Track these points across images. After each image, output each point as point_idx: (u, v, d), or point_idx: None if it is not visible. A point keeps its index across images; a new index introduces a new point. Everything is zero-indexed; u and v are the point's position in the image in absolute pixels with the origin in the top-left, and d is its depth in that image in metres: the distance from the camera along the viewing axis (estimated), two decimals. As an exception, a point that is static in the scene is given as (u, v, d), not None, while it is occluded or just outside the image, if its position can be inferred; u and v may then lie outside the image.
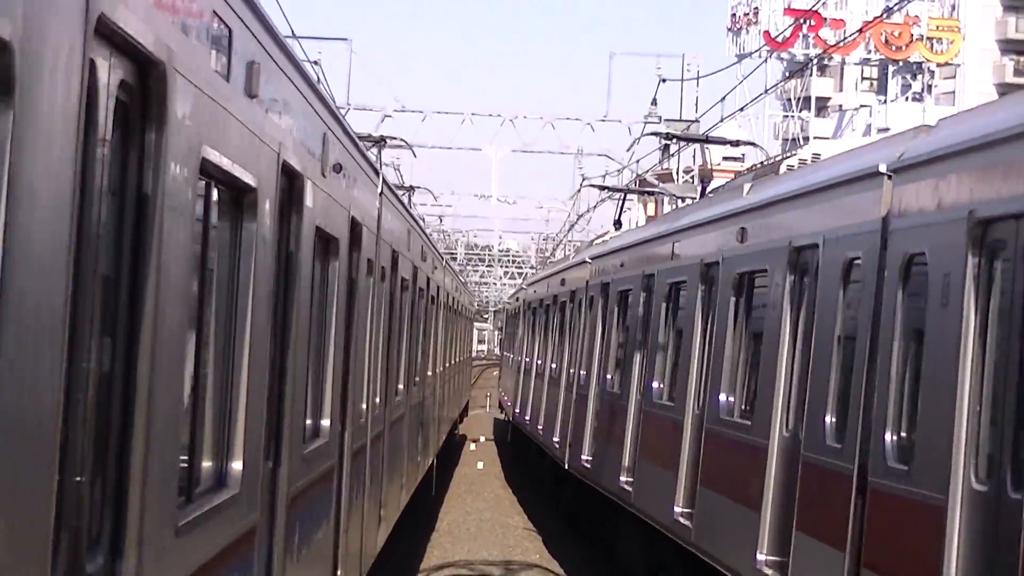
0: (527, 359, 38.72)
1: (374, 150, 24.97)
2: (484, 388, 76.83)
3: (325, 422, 11.46)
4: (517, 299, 48.55)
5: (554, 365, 31.21)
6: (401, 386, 19.32)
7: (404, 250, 18.40)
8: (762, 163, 19.21)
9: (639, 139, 39.72)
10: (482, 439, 50.90)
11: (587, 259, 26.54)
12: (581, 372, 25.61)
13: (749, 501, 13.41)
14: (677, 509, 16.55)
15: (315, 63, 29.41)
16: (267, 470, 8.39)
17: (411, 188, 33.97)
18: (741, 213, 15.00)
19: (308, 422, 10.63)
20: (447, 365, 34.69)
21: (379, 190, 14.46)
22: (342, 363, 12.23)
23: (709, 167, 24.38)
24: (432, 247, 27.03)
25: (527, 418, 36.08)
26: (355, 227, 12.44)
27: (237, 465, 7.28)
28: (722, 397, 15.11)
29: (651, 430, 18.55)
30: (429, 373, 26.33)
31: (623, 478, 20.02)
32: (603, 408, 23.03)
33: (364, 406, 14.28)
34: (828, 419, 11.41)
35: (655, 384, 18.51)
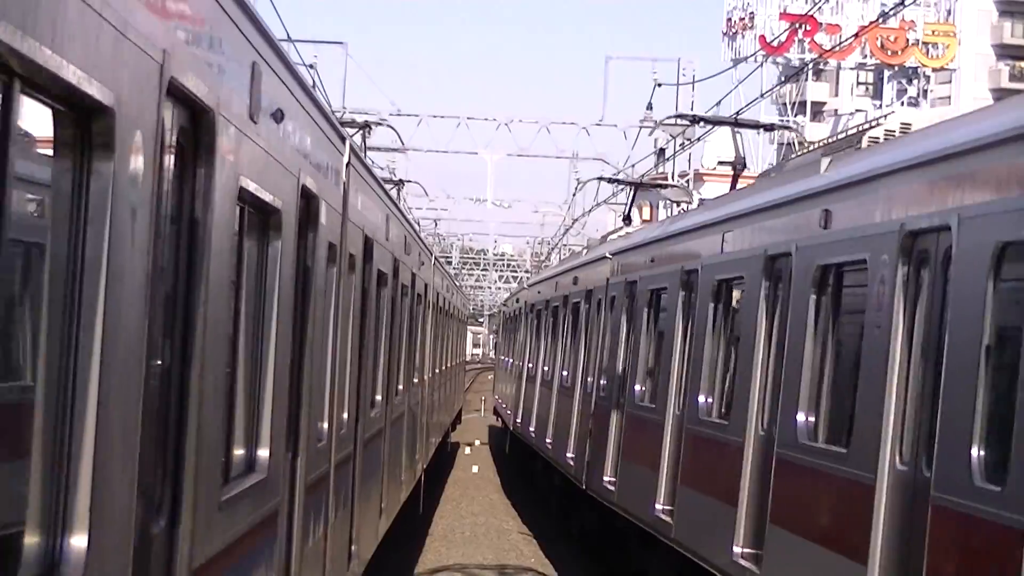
0: (530, 365, 35.35)
1: (358, 137, 21.94)
2: (479, 392, 76.86)
3: (261, 452, 8.50)
4: (517, 300, 44.68)
5: (565, 373, 27.97)
6: (379, 397, 16.89)
7: (381, 238, 15.79)
8: (829, 139, 15.90)
9: (661, 122, 36.13)
10: (477, 443, 50.88)
11: (607, 254, 23.24)
12: (601, 382, 22.70)
13: (850, 552, 10.92)
14: (737, 549, 13.67)
15: (310, 66, 29.38)
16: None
17: (400, 182, 31.45)
18: (825, 192, 12.03)
19: (240, 452, 8.15)
20: (438, 371, 32.11)
21: (345, 159, 11.99)
22: (287, 373, 9.18)
23: (742, 152, 20.78)
24: (419, 241, 24.20)
25: (531, 430, 32.82)
26: (308, 198, 9.72)
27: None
28: (800, 417, 12.02)
29: (696, 453, 15.80)
30: (416, 380, 23.75)
31: (660, 507, 17.10)
32: (631, 425, 19.96)
33: (325, 424, 11.86)
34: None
35: (701, 399, 15.69)
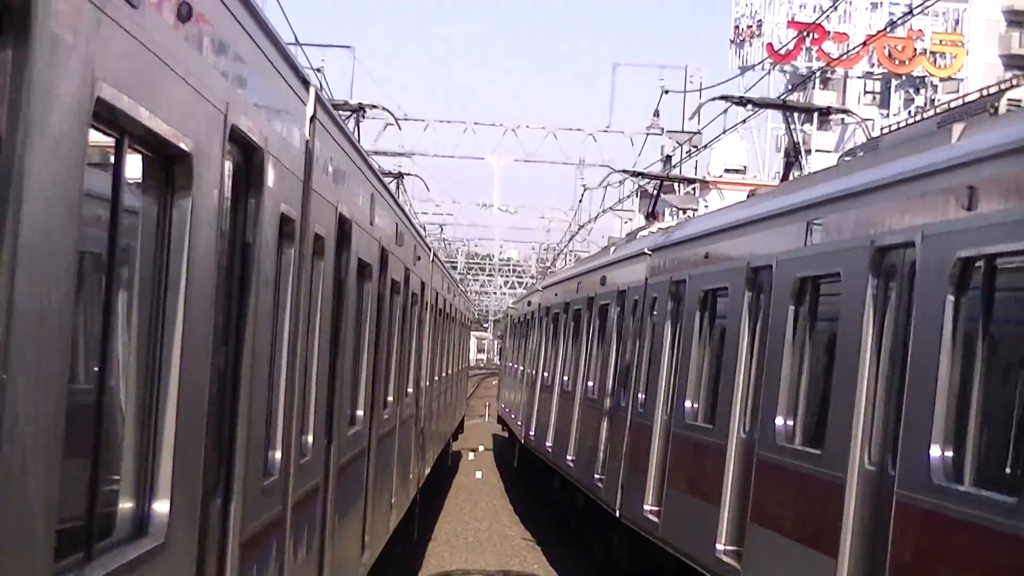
0: (546, 373, 32.01)
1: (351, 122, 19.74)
2: (483, 398, 77.02)
3: (158, 508, 5.85)
4: (528, 303, 40.76)
5: (591, 384, 24.55)
6: (361, 412, 14.10)
7: (363, 220, 12.93)
8: (945, 108, 12.41)
9: (702, 105, 33.91)
10: (481, 448, 50.84)
11: (646, 251, 20.07)
12: (639, 396, 19.37)
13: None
14: None
15: (318, 70, 29.28)
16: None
17: (400, 175, 29.22)
18: (966, 165, 9.37)
19: (126, 505, 5.66)
20: (437, 378, 29.00)
21: (309, 110, 9.22)
22: (213, 387, 6.73)
23: (794, 139, 18.25)
24: (416, 233, 21.03)
25: (548, 445, 29.51)
26: (243, 146, 7.23)
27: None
28: (934, 452, 9.36)
29: (772, 486, 12.88)
30: (410, 391, 20.94)
31: (721, 547, 14.42)
32: (679, 447, 16.84)
33: (278, 455, 8.95)
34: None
35: (779, 422, 12.68)
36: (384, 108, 21.17)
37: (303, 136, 9.10)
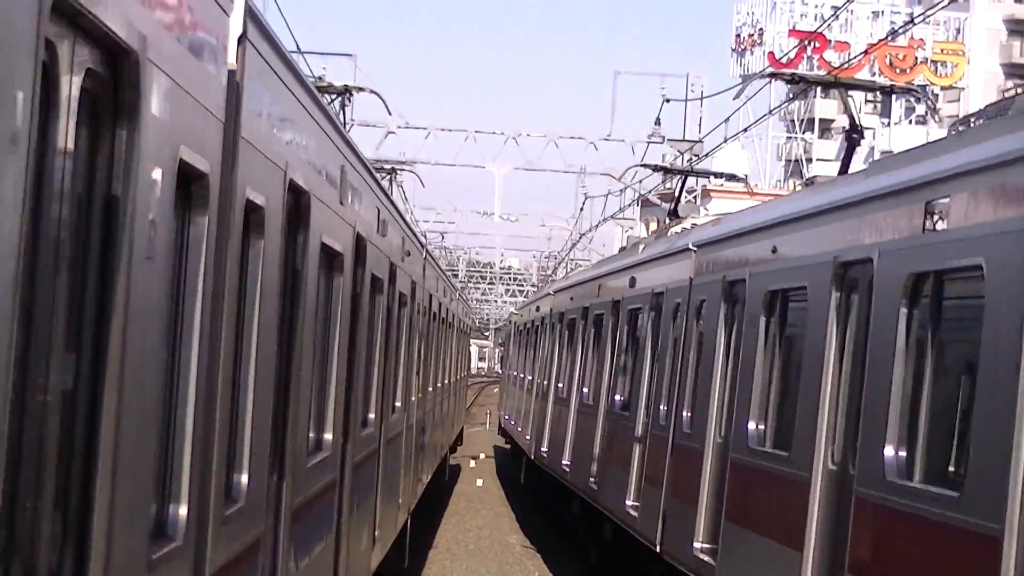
0: (560, 384, 29.21)
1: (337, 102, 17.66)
2: (484, 405, 77.06)
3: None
4: (538, 308, 37.35)
5: (618, 397, 21.75)
6: (329, 436, 11.61)
7: (329, 196, 10.13)
8: None
9: (753, 79, 31.87)
10: (482, 456, 50.87)
11: (690, 246, 17.28)
12: (684, 414, 16.64)
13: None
14: None
15: (319, 78, 29.31)
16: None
17: (393, 170, 26.87)
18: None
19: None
20: (431, 389, 26.47)
21: (235, 24, 6.76)
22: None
23: (855, 119, 15.62)
24: (404, 223, 18.14)
25: (564, 463, 26.65)
26: (115, 53, 4.92)
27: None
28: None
29: (871, 527, 10.29)
30: (397, 405, 18.33)
31: None
32: (742, 478, 13.88)
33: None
34: None
35: (888, 452, 10.01)
36: (373, 91, 18.72)
37: (223, 61, 6.62)
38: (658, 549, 17.10)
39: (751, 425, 13.69)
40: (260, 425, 7.88)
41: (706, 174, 29.80)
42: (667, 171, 30.71)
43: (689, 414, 16.50)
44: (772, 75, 19.61)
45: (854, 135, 15.60)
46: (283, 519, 9.10)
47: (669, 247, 19.16)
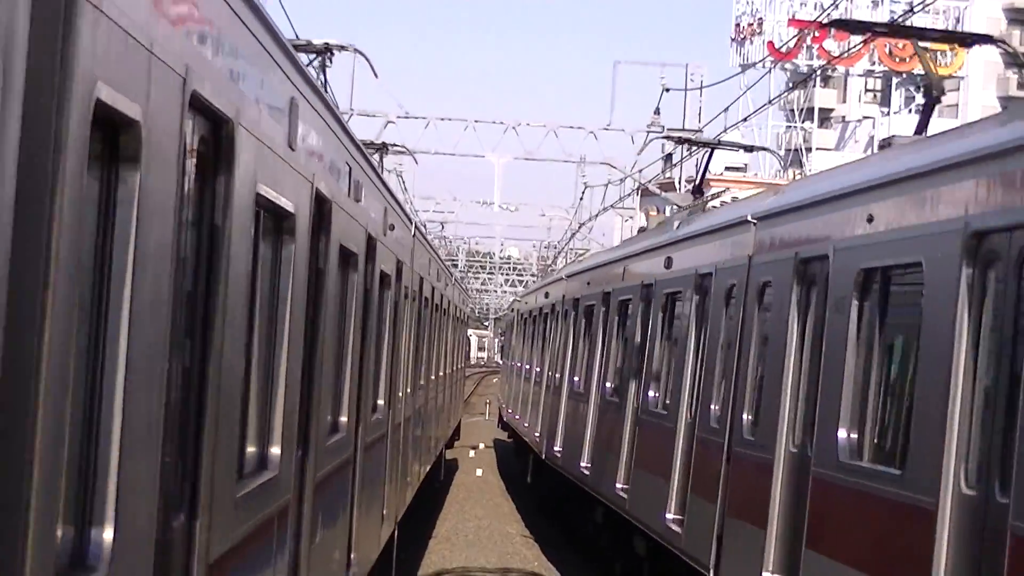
0: (576, 378, 26.51)
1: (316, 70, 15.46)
2: (483, 395, 77.14)
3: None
4: (546, 295, 34.10)
5: (651, 394, 19.06)
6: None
7: (274, 140, 7.94)
8: None
9: (822, 24, 27.94)
10: (481, 446, 50.87)
11: (750, 218, 14.77)
12: (743, 416, 14.26)
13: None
14: None
15: (296, 36, 28.93)
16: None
17: (384, 146, 24.88)
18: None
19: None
20: (424, 382, 24.64)
21: None
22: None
23: (931, 72, 13.79)
24: (388, 193, 16.12)
25: (583, 466, 24.04)
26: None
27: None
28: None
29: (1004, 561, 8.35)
30: (382, 401, 16.55)
31: None
32: (832, 497, 11.25)
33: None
34: None
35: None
36: (357, 50, 16.82)
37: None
38: (710, 572, 14.81)
39: (841, 435, 11.13)
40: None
41: (733, 146, 27.77)
42: (691, 143, 28.53)
43: (749, 418, 14.18)
44: (840, 21, 17.32)
45: (933, 92, 13.67)
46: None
47: (718, 221, 16.54)
